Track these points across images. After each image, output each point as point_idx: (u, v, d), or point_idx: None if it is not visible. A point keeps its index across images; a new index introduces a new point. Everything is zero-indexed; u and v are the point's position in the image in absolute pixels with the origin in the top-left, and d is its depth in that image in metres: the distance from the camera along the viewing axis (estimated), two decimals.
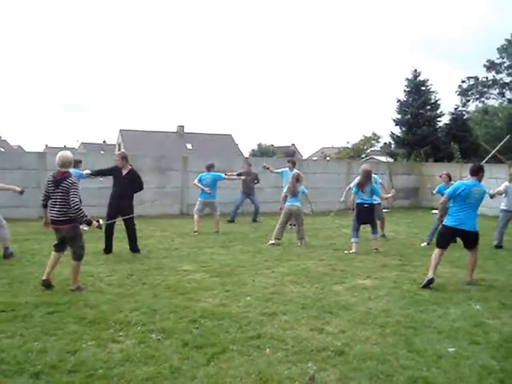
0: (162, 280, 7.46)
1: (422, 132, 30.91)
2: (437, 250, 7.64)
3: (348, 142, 57.14)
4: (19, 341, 4.84)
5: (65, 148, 78.23)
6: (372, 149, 57.37)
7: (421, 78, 33.26)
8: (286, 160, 16.39)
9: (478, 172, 7.59)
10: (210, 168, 13.07)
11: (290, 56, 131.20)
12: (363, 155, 53.31)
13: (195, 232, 12.36)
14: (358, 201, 10.60)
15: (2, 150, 60.91)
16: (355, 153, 53.74)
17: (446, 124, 33.27)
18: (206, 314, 5.79)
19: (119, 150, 52.75)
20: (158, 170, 17.22)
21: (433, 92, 33.12)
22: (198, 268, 8.38)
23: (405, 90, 33.58)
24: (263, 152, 62.05)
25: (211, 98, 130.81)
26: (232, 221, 15.65)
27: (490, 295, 6.96)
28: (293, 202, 11.37)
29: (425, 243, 11.37)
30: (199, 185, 12.79)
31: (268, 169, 14.39)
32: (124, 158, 9.78)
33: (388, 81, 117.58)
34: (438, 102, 33.14)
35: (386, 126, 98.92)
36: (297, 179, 11.33)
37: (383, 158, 34.86)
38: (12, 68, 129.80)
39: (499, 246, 11.85)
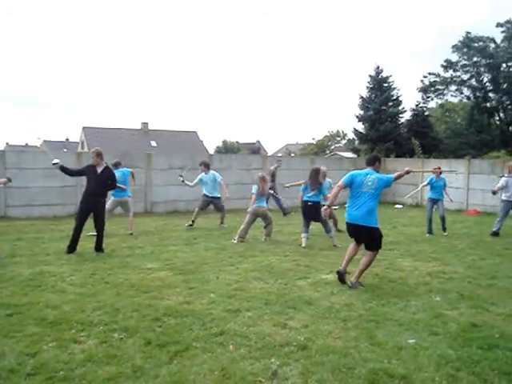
0: (125, 279, 7.38)
1: (385, 128, 31.37)
2: (351, 244, 7.47)
3: (313, 139, 57.67)
4: None
5: (26, 146, 76.92)
6: (336, 145, 57.98)
7: (383, 74, 33.73)
8: (249, 158, 16.41)
9: (374, 162, 7.32)
10: (117, 165, 12.03)
11: (255, 53, 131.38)
12: (327, 151, 53.83)
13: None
14: (304, 198, 10.82)
15: None
16: (319, 149, 54.24)
17: (407, 120, 33.87)
18: (170, 311, 5.76)
19: (82, 147, 51.94)
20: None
21: (395, 88, 33.63)
22: (162, 266, 8.33)
23: (367, 87, 34.02)
24: (228, 149, 62.01)
25: (176, 95, 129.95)
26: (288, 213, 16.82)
27: (449, 287, 7.12)
28: (260, 203, 11.57)
29: None
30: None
31: (183, 182, 13.94)
32: (99, 155, 9.64)
33: (352, 77, 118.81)
34: (400, 99, 33.70)
35: (350, 122, 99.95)
36: (264, 179, 11.72)
37: (347, 154, 35.30)
38: None
39: (496, 233, 12.62)
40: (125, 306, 5.96)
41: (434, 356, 4.53)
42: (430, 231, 12.78)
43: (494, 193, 13.09)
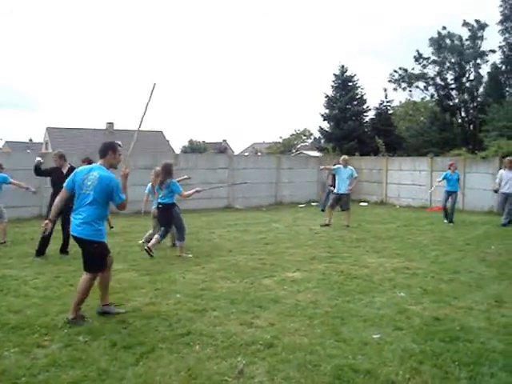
0: None
1: (349, 127, 31.73)
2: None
3: (280, 137, 57.84)
4: None
5: None
6: (303, 144, 58.27)
7: (348, 73, 34.05)
8: (216, 157, 16.40)
9: (105, 153, 5.68)
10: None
11: (220, 52, 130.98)
12: (294, 150, 54.08)
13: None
14: (158, 200, 9.60)
15: None
16: (286, 148, 54.41)
17: (371, 119, 34.31)
18: (135, 313, 5.72)
19: (46, 148, 50.95)
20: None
21: (359, 87, 34.01)
22: (128, 267, 8.25)
23: (332, 86, 34.31)
24: (194, 148, 61.69)
25: (141, 95, 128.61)
26: (323, 210, 16.83)
27: (413, 282, 7.26)
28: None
29: None
30: None
31: None
32: (61, 156, 9.59)
33: (318, 76, 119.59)
34: (364, 97, 34.11)
35: (316, 121, 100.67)
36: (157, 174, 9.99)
37: (313, 153, 35.54)
38: None
39: (504, 225, 13.70)
40: (90, 308, 5.88)
41: (397, 350, 4.61)
42: (447, 218, 14.54)
43: (496, 191, 14.19)
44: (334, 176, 17.04)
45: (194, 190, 9.60)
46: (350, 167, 13.84)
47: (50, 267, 8.23)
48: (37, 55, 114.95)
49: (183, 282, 7.28)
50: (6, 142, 69.32)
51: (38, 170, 9.78)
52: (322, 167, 14.90)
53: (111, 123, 55.71)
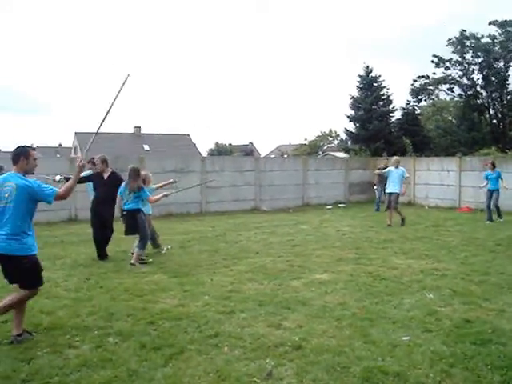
0: (119, 283, 7.38)
1: (375, 127, 31.46)
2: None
3: (306, 139, 57.77)
4: None
5: None
6: (329, 145, 58.10)
7: (373, 74, 33.79)
8: (242, 159, 16.47)
9: (17, 159, 5.13)
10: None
11: (247, 55, 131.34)
12: (320, 152, 53.94)
13: None
14: (123, 206, 9.05)
15: None
16: (312, 150, 54.34)
17: (398, 119, 33.96)
18: (164, 315, 5.77)
19: (75, 153, 51.76)
20: (118, 170, 17.03)
21: (384, 87, 33.70)
22: (156, 269, 8.33)
23: (358, 87, 34.08)
24: (221, 151, 61.98)
25: (168, 98, 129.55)
26: (377, 210, 18.08)
27: (442, 284, 7.16)
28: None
29: None
30: None
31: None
32: (104, 161, 9.47)
33: (343, 77, 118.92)
34: (390, 98, 33.78)
35: (342, 122, 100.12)
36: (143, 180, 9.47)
37: (339, 154, 35.38)
38: None
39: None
40: (119, 310, 5.97)
41: (427, 353, 4.56)
42: (490, 218, 14.67)
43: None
44: (380, 177, 17.69)
45: (161, 195, 9.35)
46: (401, 168, 14.29)
47: (81, 269, 8.36)
48: (65, 62, 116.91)
49: (211, 283, 7.32)
50: (37, 146, 70.60)
51: (67, 178, 9.78)
52: (377, 171, 15.43)
53: (138, 127, 56.37)
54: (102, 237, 9.35)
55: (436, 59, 35.83)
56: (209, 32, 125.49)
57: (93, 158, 10.36)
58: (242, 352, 4.65)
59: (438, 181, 20.15)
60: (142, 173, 9.56)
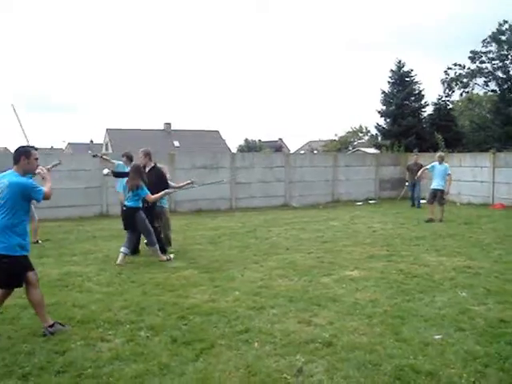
0: (150, 277, 7.46)
1: (407, 123, 31.05)
2: None
3: (336, 135, 57.42)
4: (7, 343, 4.84)
5: (52, 149, 77.92)
6: (359, 141, 57.62)
7: (405, 69, 33.36)
8: (272, 156, 16.46)
9: (18, 159, 5.17)
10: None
11: (275, 51, 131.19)
12: (350, 147, 53.55)
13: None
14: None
15: None
16: (342, 145, 53.99)
17: (429, 114, 33.43)
18: (195, 309, 5.82)
19: (106, 149, 52.46)
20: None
21: (416, 83, 33.23)
22: (187, 265, 8.39)
23: (389, 82, 33.68)
24: (250, 147, 62.04)
25: (197, 95, 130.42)
26: (413, 205, 18.19)
27: (475, 282, 7.03)
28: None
29: None
30: None
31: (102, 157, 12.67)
32: (147, 154, 9.47)
33: (374, 72, 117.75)
34: (422, 93, 33.29)
35: (372, 117, 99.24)
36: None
37: (370, 150, 35.05)
38: None
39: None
40: (151, 304, 6.04)
41: (460, 352, 4.48)
42: None
43: None
44: (410, 172, 18.28)
45: (163, 192, 9.20)
46: (445, 164, 14.29)
47: (112, 264, 8.46)
48: (96, 59, 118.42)
49: (241, 279, 7.34)
50: (69, 143, 71.84)
51: (116, 174, 9.85)
52: (420, 173, 15.23)
53: (169, 124, 56.82)
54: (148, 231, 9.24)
55: (472, 54, 35.16)
56: (239, 27, 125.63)
57: (127, 153, 10.56)
58: (273, 348, 4.65)
59: (471, 177, 19.78)
60: (159, 165, 9.63)
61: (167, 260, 8.71)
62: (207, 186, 14.26)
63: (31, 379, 4.05)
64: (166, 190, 9.36)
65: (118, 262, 8.46)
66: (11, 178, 5.05)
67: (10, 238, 4.97)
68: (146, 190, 8.68)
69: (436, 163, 14.27)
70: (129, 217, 8.71)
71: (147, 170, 9.35)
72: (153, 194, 8.95)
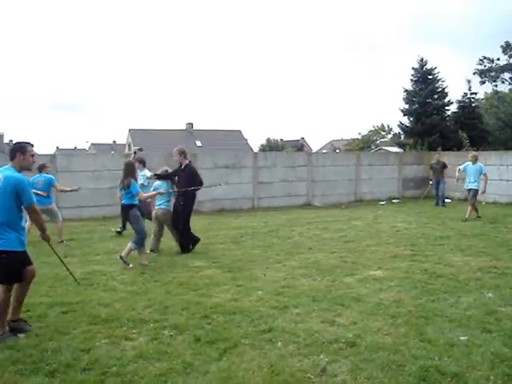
0: (173, 277, 7.51)
1: (431, 121, 30.62)
2: None
3: (359, 134, 57.04)
4: (34, 340, 4.91)
5: (75, 150, 78.97)
6: (382, 140, 57.16)
7: (427, 66, 32.94)
8: (294, 155, 16.39)
9: (13, 155, 5.17)
10: (41, 169, 10.93)
11: (298, 50, 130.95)
12: (373, 146, 53.18)
13: None
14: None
15: None
16: (365, 144, 53.62)
17: (454, 112, 32.94)
18: (218, 309, 5.83)
19: (129, 149, 52.88)
20: (168, 168, 17.31)
21: (440, 80, 32.78)
22: (210, 264, 8.42)
23: (412, 80, 33.28)
24: (272, 146, 61.96)
25: (219, 95, 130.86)
26: (437, 204, 18.08)
27: (501, 283, 6.91)
28: (159, 205, 9.73)
29: None
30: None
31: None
32: (182, 153, 9.59)
33: (396, 70, 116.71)
34: (446, 90, 32.77)
35: (395, 116, 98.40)
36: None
37: (393, 149, 34.73)
38: (18, 70, 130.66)
39: None
40: (174, 303, 6.07)
41: (487, 354, 4.41)
42: None
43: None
44: (434, 170, 18.37)
45: (155, 192, 9.40)
46: (479, 164, 14.27)
47: (136, 263, 8.52)
48: (118, 60, 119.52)
49: (264, 279, 7.34)
50: (92, 144, 72.65)
51: (163, 176, 9.95)
52: (456, 173, 15.01)
53: (191, 124, 57.04)
54: (175, 228, 9.55)
55: (504, 44, 34.50)
56: (257, 28, 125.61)
57: (135, 153, 10.77)
58: (296, 347, 4.64)
59: (497, 176, 19.46)
60: (164, 168, 9.81)
61: (145, 265, 8.41)
62: (229, 186, 14.31)
63: (58, 376, 4.10)
64: (159, 190, 9.50)
65: (143, 262, 8.52)
66: (6, 172, 5.07)
67: (7, 233, 4.97)
68: (136, 187, 8.58)
69: (469, 163, 14.27)
70: (124, 214, 8.64)
71: (182, 167, 9.53)
72: (183, 191, 9.20)
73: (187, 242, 9.59)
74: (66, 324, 5.34)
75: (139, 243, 8.58)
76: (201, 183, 9.63)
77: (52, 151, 65.91)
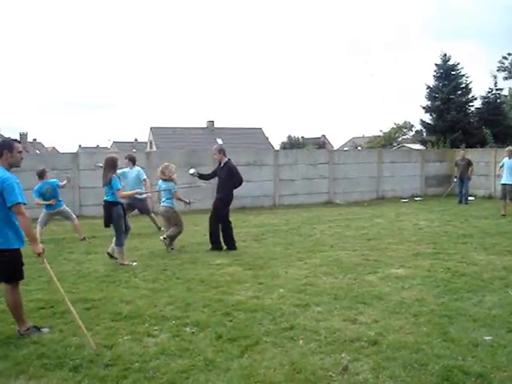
0: (195, 274, 7.54)
1: (453, 118, 30.21)
2: None
3: (381, 131, 56.57)
4: (59, 336, 4.98)
5: (97, 148, 79.70)
6: (404, 137, 56.62)
7: (450, 62, 32.48)
8: (316, 152, 16.37)
9: (1, 153, 5.04)
10: (42, 175, 10.71)
11: (319, 47, 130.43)
12: (395, 144, 52.70)
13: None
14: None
15: (38, 151, 62.21)
16: (386, 141, 53.17)
17: (477, 108, 32.43)
18: (240, 306, 5.84)
19: (150, 147, 53.22)
20: (189, 166, 17.36)
21: (463, 76, 32.28)
22: (231, 261, 8.44)
23: (434, 76, 32.83)
24: (293, 144, 61.76)
25: (240, 93, 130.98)
26: (460, 202, 17.91)
27: None
28: (162, 202, 9.70)
29: None
30: (41, 201, 10.67)
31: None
32: (221, 150, 9.66)
33: (418, 66, 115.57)
34: (470, 86, 32.27)
35: (417, 113, 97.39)
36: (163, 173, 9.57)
37: (415, 146, 34.37)
38: (41, 69, 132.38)
39: None
40: (196, 300, 6.10)
41: None
42: None
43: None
44: (458, 167, 18.27)
45: (134, 191, 9.51)
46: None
47: (158, 260, 8.59)
48: (140, 59, 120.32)
49: (286, 276, 7.33)
50: (114, 142, 73.22)
51: (205, 176, 10.01)
52: (498, 172, 15.04)
53: (212, 121, 57.13)
54: (211, 225, 9.62)
55: None
56: (276, 25, 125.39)
57: (129, 155, 11.06)
58: (318, 345, 4.63)
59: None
60: (164, 164, 9.71)
61: (129, 265, 8.24)
62: (251, 183, 14.30)
63: (81, 371, 4.15)
64: (137, 190, 9.67)
65: (123, 262, 8.33)
66: None
67: (6, 231, 4.94)
68: (117, 184, 8.23)
69: (506, 158, 14.14)
70: (106, 211, 8.36)
71: (221, 165, 9.60)
72: (223, 189, 9.40)
73: (232, 239, 9.64)
74: (90, 320, 5.39)
75: (119, 243, 8.34)
76: (241, 180, 9.63)
77: (75, 149, 66.64)
